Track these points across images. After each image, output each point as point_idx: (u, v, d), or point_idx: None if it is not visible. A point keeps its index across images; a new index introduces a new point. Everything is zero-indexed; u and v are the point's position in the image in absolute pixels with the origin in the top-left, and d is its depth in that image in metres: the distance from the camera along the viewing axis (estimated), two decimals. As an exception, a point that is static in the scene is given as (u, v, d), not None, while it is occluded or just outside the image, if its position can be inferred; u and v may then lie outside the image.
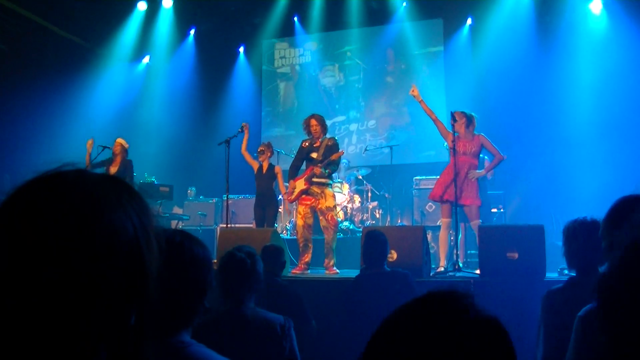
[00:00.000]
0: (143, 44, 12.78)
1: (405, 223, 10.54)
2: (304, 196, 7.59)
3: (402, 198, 10.81)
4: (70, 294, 0.81)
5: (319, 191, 7.53)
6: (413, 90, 7.57)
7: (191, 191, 11.96)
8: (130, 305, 0.88)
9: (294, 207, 7.91)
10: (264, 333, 2.94)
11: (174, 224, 10.69)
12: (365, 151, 11.16)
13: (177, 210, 11.53)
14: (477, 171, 7.29)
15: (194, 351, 1.65)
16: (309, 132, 7.80)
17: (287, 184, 7.87)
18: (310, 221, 7.57)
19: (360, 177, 10.59)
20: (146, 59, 13.39)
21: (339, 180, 10.17)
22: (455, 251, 6.96)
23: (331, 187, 7.72)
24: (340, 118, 12.97)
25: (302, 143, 7.93)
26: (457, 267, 6.62)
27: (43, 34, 11.15)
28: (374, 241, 4.89)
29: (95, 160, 8.56)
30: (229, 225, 8.10)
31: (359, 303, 4.69)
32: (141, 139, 11.61)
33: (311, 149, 7.71)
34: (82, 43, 12.13)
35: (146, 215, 0.92)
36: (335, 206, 7.74)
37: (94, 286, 0.83)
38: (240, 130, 7.90)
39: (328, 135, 7.95)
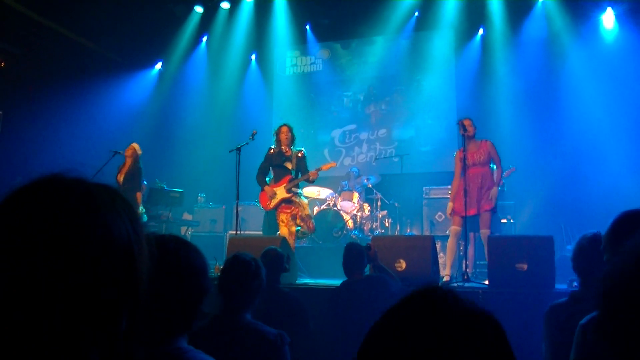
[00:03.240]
0: (156, 50, 12.86)
1: (415, 232, 10.52)
2: (284, 205, 7.77)
3: (411, 207, 10.78)
4: (63, 296, 0.82)
5: (297, 200, 7.77)
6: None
7: (201, 197, 11.99)
8: (122, 309, 0.90)
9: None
10: (255, 345, 2.91)
11: (183, 230, 10.72)
12: (376, 160, 11.16)
13: (187, 216, 11.55)
14: (493, 190, 7.24)
15: (192, 357, 1.66)
16: (279, 140, 7.98)
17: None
18: (293, 229, 7.76)
19: (370, 185, 10.58)
20: (159, 65, 13.47)
21: (349, 188, 10.18)
22: (464, 261, 6.93)
23: (302, 197, 8.01)
24: (351, 127, 12.97)
25: (269, 150, 8.08)
26: (466, 277, 6.59)
27: (57, 39, 11.24)
28: (349, 252, 5.15)
29: (105, 167, 8.58)
30: (238, 232, 8.11)
31: (340, 310, 4.92)
32: (152, 144, 11.66)
33: (284, 157, 7.85)
34: (95, 48, 12.22)
35: (138, 222, 0.95)
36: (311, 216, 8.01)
37: (87, 288, 0.84)
38: (251, 137, 7.93)
39: (298, 148, 8.12)
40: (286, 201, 7.77)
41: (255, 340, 2.93)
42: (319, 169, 7.78)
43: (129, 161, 9.09)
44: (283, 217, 7.80)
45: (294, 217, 7.76)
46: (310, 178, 7.68)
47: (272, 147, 8.08)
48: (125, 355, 0.92)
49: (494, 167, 7.54)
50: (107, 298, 0.87)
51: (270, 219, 8.18)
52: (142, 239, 0.94)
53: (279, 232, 7.82)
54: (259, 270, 3.16)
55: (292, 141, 8.00)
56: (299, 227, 7.76)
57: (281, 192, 7.76)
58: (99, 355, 0.88)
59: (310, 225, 7.76)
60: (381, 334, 0.88)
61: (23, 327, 0.81)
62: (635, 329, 0.92)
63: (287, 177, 7.76)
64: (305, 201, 7.98)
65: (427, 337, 0.82)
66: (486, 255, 6.55)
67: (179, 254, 1.69)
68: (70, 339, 0.83)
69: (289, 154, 7.89)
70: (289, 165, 7.81)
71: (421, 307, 0.86)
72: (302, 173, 7.84)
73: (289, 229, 7.71)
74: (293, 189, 7.76)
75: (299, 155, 7.93)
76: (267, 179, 8.03)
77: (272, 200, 7.81)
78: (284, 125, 8.08)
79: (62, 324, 0.82)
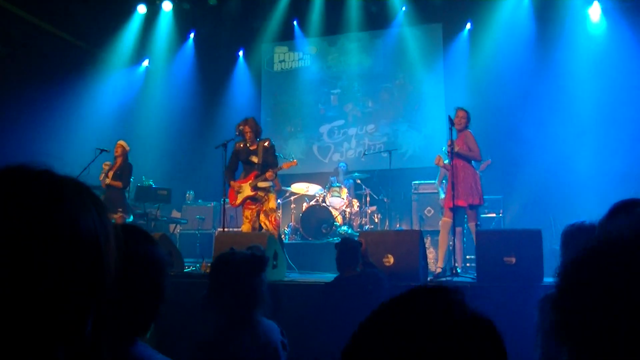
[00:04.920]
0: (143, 47, 12.78)
1: (404, 227, 10.51)
2: (249, 201, 7.74)
3: (401, 202, 10.78)
4: (27, 291, 0.79)
5: (263, 195, 7.72)
6: (439, 161, 7.58)
7: (189, 195, 11.93)
8: (88, 305, 0.87)
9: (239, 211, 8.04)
10: (267, 348, 2.86)
11: (172, 227, 10.67)
12: (364, 155, 11.13)
13: (175, 214, 11.50)
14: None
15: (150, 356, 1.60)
16: (242, 136, 7.93)
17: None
18: (256, 225, 7.72)
19: (359, 181, 10.56)
20: (146, 62, 13.38)
21: (338, 184, 10.15)
22: (453, 256, 6.92)
23: (273, 190, 7.91)
24: (339, 122, 12.95)
25: (235, 145, 8.02)
26: (454, 271, 6.58)
27: (44, 37, 11.14)
28: (344, 247, 5.07)
29: (93, 163, 8.50)
30: (226, 229, 8.07)
31: (332, 306, 4.83)
32: (140, 142, 11.58)
33: (249, 152, 7.80)
34: (83, 46, 12.13)
35: (105, 215, 0.92)
36: (278, 208, 7.97)
37: (51, 283, 0.81)
38: (237, 133, 7.89)
39: (263, 137, 8.05)
40: (251, 198, 7.73)
41: (268, 345, 2.85)
42: (277, 169, 7.73)
43: (119, 159, 9.00)
44: (247, 213, 7.78)
45: (257, 213, 7.72)
46: (268, 177, 7.64)
47: (239, 141, 8.02)
48: (92, 353, 0.88)
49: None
50: (72, 293, 0.83)
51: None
52: (109, 232, 0.91)
53: (241, 228, 7.82)
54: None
55: (256, 134, 7.92)
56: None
57: (246, 189, 7.71)
58: (66, 353, 0.85)
59: (273, 221, 7.66)
60: (371, 333, 0.85)
61: None
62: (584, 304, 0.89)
63: (254, 173, 7.71)
64: (273, 194, 7.89)
65: (421, 339, 0.79)
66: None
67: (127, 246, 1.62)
68: (35, 337, 0.80)
69: (254, 147, 7.83)
70: (255, 159, 7.76)
71: (425, 307, 0.84)
72: (269, 164, 7.74)
73: (252, 225, 7.67)
74: (259, 185, 7.69)
75: (265, 145, 7.85)
76: (237, 174, 8.00)
77: (238, 197, 7.77)
78: (247, 119, 8.00)
79: (26, 321, 0.79)
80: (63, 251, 0.82)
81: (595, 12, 10.75)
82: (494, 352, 0.81)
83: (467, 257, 8.13)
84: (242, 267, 2.88)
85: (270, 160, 7.75)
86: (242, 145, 7.92)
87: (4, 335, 0.78)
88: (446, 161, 7.57)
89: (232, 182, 7.83)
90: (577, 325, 0.88)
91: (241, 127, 7.94)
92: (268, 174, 7.58)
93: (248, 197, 7.71)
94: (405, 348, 0.79)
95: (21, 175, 0.86)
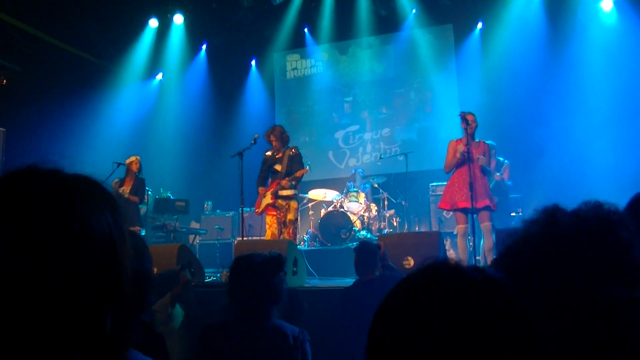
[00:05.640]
0: (156, 61, 12.86)
1: (423, 230, 10.46)
2: (270, 207, 7.78)
3: (419, 205, 10.75)
4: (41, 295, 0.78)
5: (284, 204, 7.74)
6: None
7: (207, 205, 11.97)
8: (105, 306, 0.85)
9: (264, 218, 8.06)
10: (277, 344, 2.88)
11: (191, 238, 10.70)
12: (380, 159, 11.10)
13: (194, 224, 11.54)
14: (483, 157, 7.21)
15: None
16: (271, 143, 8.02)
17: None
18: (277, 232, 7.76)
19: (376, 185, 10.53)
20: (159, 76, 13.47)
21: (355, 189, 10.14)
22: (475, 257, 6.87)
23: (296, 199, 7.90)
24: (354, 127, 12.95)
25: (265, 154, 8.10)
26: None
27: (56, 54, 11.24)
28: (362, 251, 5.07)
29: (109, 178, 8.58)
30: (245, 238, 8.08)
31: (353, 310, 4.80)
32: (156, 154, 11.67)
33: (274, 160, 7.86)
34: (95, 61, 12.23)
35: (119, 214, 0.90)
36: (297, 219, 7.89)
37: (67, 283, 0.80)
38: (253, 142, 7.92)
39: (291, 144, 8.11)
40: (271, 205, 7.75)
41: (277, 340, 2.88)
42: (291, 178, 7.73)
43: (132, 174, 9.07)
44: (268, 219, 7.84)
45: (278, 221, 7.75)
46: (283, 184, 7.66)
47: (267, 150, 8.09)
48: (111, 355, 0.88)
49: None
50: (88, 296, 0.82)
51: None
52: (124, 231, 0.90)
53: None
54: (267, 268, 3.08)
55: (283, 142, 7.96)
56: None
57: (267, 197, 7.76)
58: (84, 356, 0.85)
59: (290, 233, 7.68)
60: (388, 313, 0.88)
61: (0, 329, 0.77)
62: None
63: (277, 182, 7.76)
64: (295, 202, 7.89)
65: (433, 312, 0.81)
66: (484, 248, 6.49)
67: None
68: (50, 340, 0.79)
69: (279, 156, 7.87)
70: (278, 168, 7.81)
71: (425, 282, 0.87)
72: (294, 172, 7.78)
73: (272, 232, 7.69)
74: (281, 193, 7.70)
75: (291, 153, 7.89)
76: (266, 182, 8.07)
77: (261, 205, 7.81)
78: (272, 132, 8.06)
79: (41, 324, 0.78)
80: (75, 252, 0.81)
81: (607, 5, 10.65)
82: (504, 309, 0.83)
83: (477, 257, 8.04)
84: (261, 266, 2.94)
85: (295, 169, 7.77)
86: (270, 154, 7.97)
87: (20, 340, 0.77)
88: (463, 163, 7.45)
89: (260, 189, 7.87)
90: None
91: (268, 136, 8.00)
92: (283, 182, 7.62)
93: (269, 205, 7.74)
94: (425, 317, 0.82)
95: (29, 178, 0.85)
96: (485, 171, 7.27)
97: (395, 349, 0.83)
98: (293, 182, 7.76)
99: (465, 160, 7.09)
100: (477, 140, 7.37)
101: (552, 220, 1.06)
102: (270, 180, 8.00)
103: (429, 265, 0.90)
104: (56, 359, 0.81)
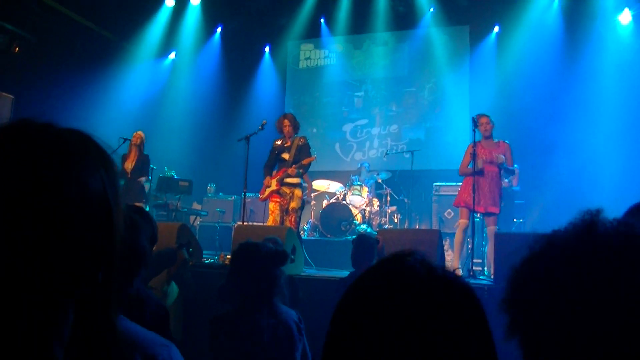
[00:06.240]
0: (170, 40, 12.87)
1: (424, 228, 10.46)
2: (274, 194, 7.77)
3: (421, 203, 10.75)
4: (35, 247, 0.78)
5: (288, 192, 7.73)
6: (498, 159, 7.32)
7: (211, 187, 11.99)
8: (98, 261, 0.86)
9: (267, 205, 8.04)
10: (284, 329, 2.93)
11: (192, 219, 10.73)
12: (386, 155, 11.09)
13: (196, 206, 11.57)
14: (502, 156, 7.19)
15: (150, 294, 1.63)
16: (281, 132, 7.99)
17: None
18: (278, 219, 7.74)
19: (380, 180, 10.53)
20: (172, 55, 13.48)
21: (359, 183, 10.15)
22: (472, 259, 6.87)
23: (301, 188, 7.86)
24: (363, 121, 12.95)
25: (274, 142, 8.06)
26: (471, 273, 6.54)
27: (72, 26, 11.26)
28: (360, 244, 5.08)
29: (114, 153, 8.61)
30: (245, 223, 8.10)
31: None
32: (163, 133, 11.70)
33: (282, 149, 7.86)
34: (110, 36, 12.25)
35: (113, 170, 0.90)
36: (300, 208, 7.84)
37: (60, 238, 0.80)
38: (260, 127, 7.92)
39: (300, 134, 8.10)
40: (275, 192, 7.77)
41: (283, 326, 2.93)
42: (298, 165, 7.73)
43: (134, 150, 9.11)
44: (271, 206, 7.82)
45: (281, 208, 7.75)
46: (290, 172, 7.68)
47: (277, 139, 8.10)
48: (102, 309, 0.89)
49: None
50: (82, 247, 0.83)
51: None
52: (117, 188, 0.90)
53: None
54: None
55: (295, 129, 7.97)
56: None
57: (273, 184, 7.77)
58: (76, 309, 0.86)
59: (292, 221, 7.67)
60: (349, 305, 0.87)
61: None
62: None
63: (283, 169, 7.75)
64: (299, 191, 7.87)
65: (395, 303, 0.80)
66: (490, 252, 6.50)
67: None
68: (44, 290, 0.81)
69: (288, 144, 7.88)
70: (286, 156, 7.80)
71: (389, 274, 0.85)
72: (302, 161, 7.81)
73: (274, 218, 7.71)
74: (286, 180, 7.72)
75: (300, 143, 7.89)
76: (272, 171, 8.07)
77: (266, 191, 7.83)
78: (285, 117, 8.06)
79: (37, 281, 0.79)
80: (70, 207, 0.81)
81: (625, 18, 10.59)
82: (469, 308, 0.83)
83: (476, 260, 8.05)
84: (266, 259, 2.99)
85: (303, 158, 7.77)
86: (279, 143, 7.97)
87: (17, 296, 0.78)
88: (470, 165, 7.46)
89: (266, 178, 7.89)
90: (529, 322, 0.88)
91: (280, 122, 8.01)
92: (290, 170, 7.62)
93: (273, 191, 7.77)
94: (382, 316, 0.80)
95: (25, 129, 0.84)
96: (506, 170, 7.28)
97: (351, 336, 0.83)
98: (300, 170, 7.76)
99: (475, 163, 7.10)
100: (495, 140, 7.37)
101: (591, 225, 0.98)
102: (277, 168, 8.00)
103: (398, 254, 0.88)
104: (50, 311, 0.82)
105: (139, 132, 9.22)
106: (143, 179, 9.08)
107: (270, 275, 2.97)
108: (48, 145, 0.83)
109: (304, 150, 7.83)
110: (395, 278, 0.84)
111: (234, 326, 2.89)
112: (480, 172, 7.16)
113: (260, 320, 2.90)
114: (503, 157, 7.18)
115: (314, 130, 13.03)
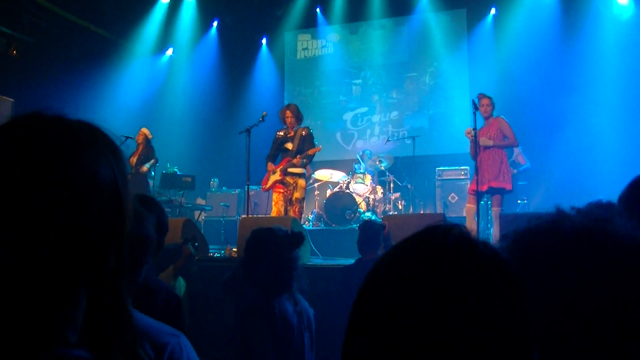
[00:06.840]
0: (166, 36, 12.87)
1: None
2: (278, 185, 7.81)
3: (424, 189, 10.75)
4: (48, 233, 0.81)
5: (292, 182, 7.76)
6: (469, 133, 7.35)
7: (214, 182, 12.00)
8: (108, 247, 0.88)
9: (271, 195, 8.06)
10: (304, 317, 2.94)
11: (196, 214, 10.74)
12: (387, 142, 11.08)
13: (200, 201, 11.58)
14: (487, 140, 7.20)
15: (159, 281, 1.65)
16: (284, 122, 8.02)
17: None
18: (282, 209, 7.76)
19: (383, 168, 10.52)
20: (169, 51, 13.48)
21: (361, 171, 10.14)
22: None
23: (304, 178, 7.91)
24: (363, 109, 12.93)
25: (277, 133, 8.08)
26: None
27: (68, 27, 11.26)
28: (367, 229, 5.06)
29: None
30: (250, 216, 8.11)
31: (352, 290, 4.73)
32: (164, 129, 11.71)
33: (285, 139, 7.88)
34: (107, 35, 12.24)
35: (121, 159, 0.93)
36: (303, 198, 7.89)
37: (72, 225, 0.82)
38: (261, 119, 7.92)
39: (303, 125, 8.12)
40: (279, 182, 7.78)
41: (303, 315, 2.94)
42: (303, 155, 7.74)
43: (140, 147, 9.20)
44: (274, 196, 7.85)
45: (285, 198, 7.77)
46: (295, 162, 7.68)
47: (280, 129, 8.11)
48: (113, 293, 0.91)
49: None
50: (92, 234, 0.85)
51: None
52: (126, 176, 0.93)
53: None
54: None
55: (297, 119, 7.98)
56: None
57: (276, 174, 7.78)
58: (88, 293, 0.88)
59: (296, 211, 7.69)
60: (382, 275, 0.85)
61: (9, 269, 0.80)
62: None
63: (287, 159, 7.76)
64: (303, 181, 7.90)
65: (430, 277, 0.76)
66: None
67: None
68: (56, 276, 0.83)
69: (291, 134, 7.88)
70: (289, 146, 7.81)
71: (428, 246, 0.81)
72: (305, 151, 7.81)
73: (278, 209, 7.71)
74: (290, 170, 7.73)
75: (303, 133, 7.89)
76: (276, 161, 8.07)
77: (268, 181, 7.84)
78: (288, 107, 8.09)
79: (48, 265, 0.81)
80: (81, 195, 0.84)
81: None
82: (501, 282, 0.78)
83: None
84: (283, 241, 2.93)
85: (307, 148, 7.78)
86: (282, 133, 7.98)
87: (28, 279, 0.81)
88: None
89: (268, 165, 7.90)
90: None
91: (283, 113, 8.03)
92: (295, 160, 7.63)
93: (276, 182, 7.78)
94: (415, 281, 0.77)
95: (35, 121, 0.87)
96: (502, 147, 7.28)
97: (384, 304, 0.80)
98: (304, 160, 7.77)
99: (477, 150, 7.10)
100: (490, 118, 7.35)
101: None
102: (280, 158, 8.01)
103: (438, 226, 0.82)
104: (62, 296, 0.84)
105: (143, 129, 9.29)
106: (148, 165, 9.15)
107: (289, 258, 2.92)
108: (59, 135, 0.86)
109: (307, 141, 7.84)
110: (437, 255, 0.78)
111: (263, 314, 2.82)
112: (482, 152, 7.17)
113: (287, 306, 2.87)
114: (488, 139, 7.17)
115: (314, 119, 13.01)
